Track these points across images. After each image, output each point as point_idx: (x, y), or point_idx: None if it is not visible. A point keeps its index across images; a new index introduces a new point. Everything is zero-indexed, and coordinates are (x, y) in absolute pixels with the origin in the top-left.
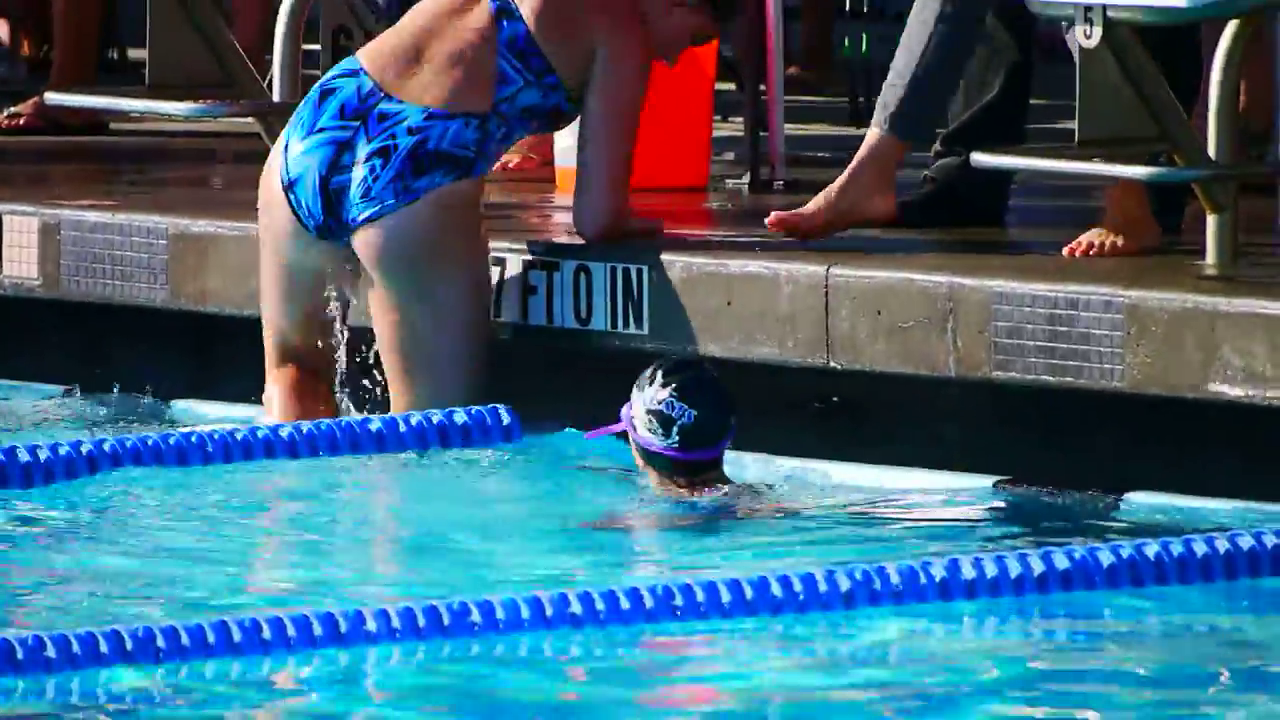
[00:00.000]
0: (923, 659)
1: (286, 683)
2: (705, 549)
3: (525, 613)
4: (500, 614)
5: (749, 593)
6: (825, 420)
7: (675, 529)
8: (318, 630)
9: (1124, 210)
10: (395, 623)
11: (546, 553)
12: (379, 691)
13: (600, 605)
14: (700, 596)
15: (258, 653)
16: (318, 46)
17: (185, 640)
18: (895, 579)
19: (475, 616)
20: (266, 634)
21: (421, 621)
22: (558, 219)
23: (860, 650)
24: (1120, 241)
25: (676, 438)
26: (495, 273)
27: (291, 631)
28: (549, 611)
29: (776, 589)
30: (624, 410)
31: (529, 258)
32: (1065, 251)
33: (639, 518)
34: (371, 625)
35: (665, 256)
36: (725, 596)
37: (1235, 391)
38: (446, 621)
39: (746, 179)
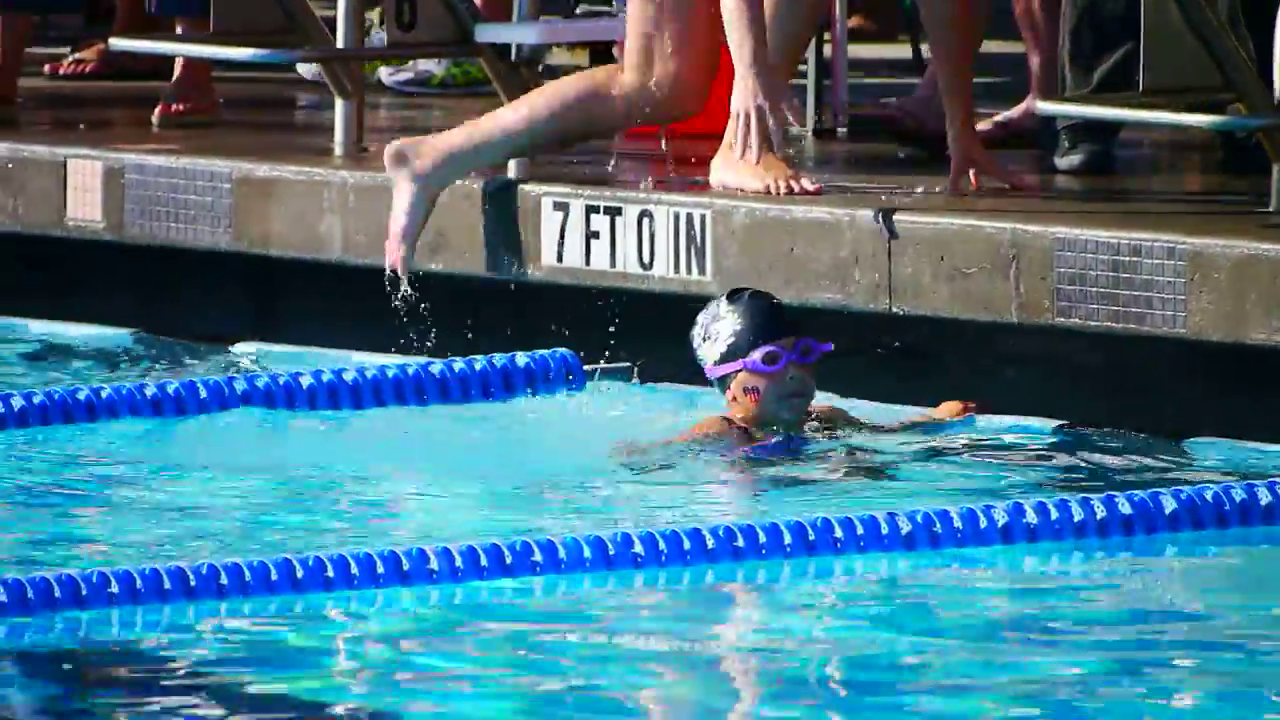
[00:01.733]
0: (978, 606)
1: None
2: (772, 490)
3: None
4: (561, 554)
5: (811, 534)
6: (889, 365)
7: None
8: (379, 568)
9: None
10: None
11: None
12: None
13: (662, 546)
14: (762, 538)
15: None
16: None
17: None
18: (958, 523)
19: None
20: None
21: (407, 566)
22: (622, 165)
23: (918, 596)
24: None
25: (744, 333)
26: (558, 218)
27: (331, 573)
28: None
29: (839, 531)
30: (706, 369)
31: (592, 202)
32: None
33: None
34: (405, 566)
35: (728, 202)
36: (786, 538)
37: None
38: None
39: (811, 127)
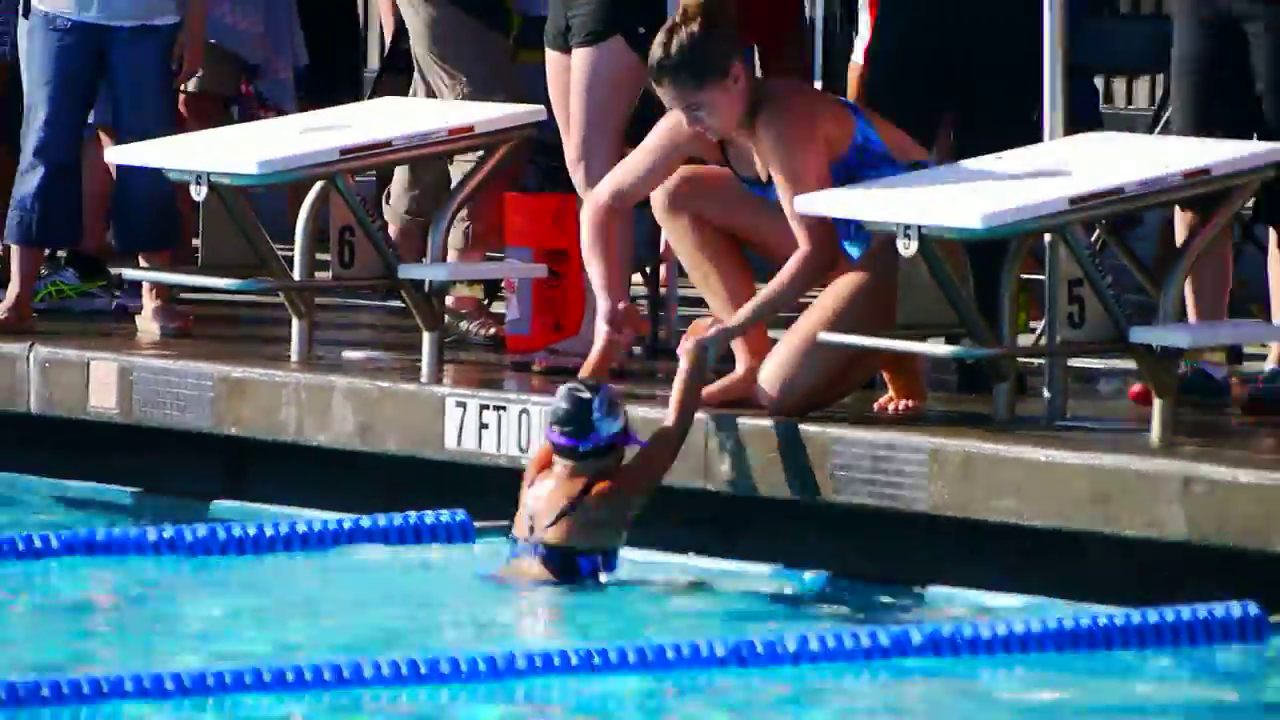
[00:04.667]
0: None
1: None
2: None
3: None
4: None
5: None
6: (702, 526)
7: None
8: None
9: (907, 379)
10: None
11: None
12: None
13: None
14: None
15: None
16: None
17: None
18: (760, 649)
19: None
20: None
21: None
22: (509, 375)
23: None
24: (910, 402)
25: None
26: (459, 413)
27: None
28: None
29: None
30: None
31: (485, 402)
32: (875, 407)
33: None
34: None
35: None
36: (571, 660)
37: (1008, 515)
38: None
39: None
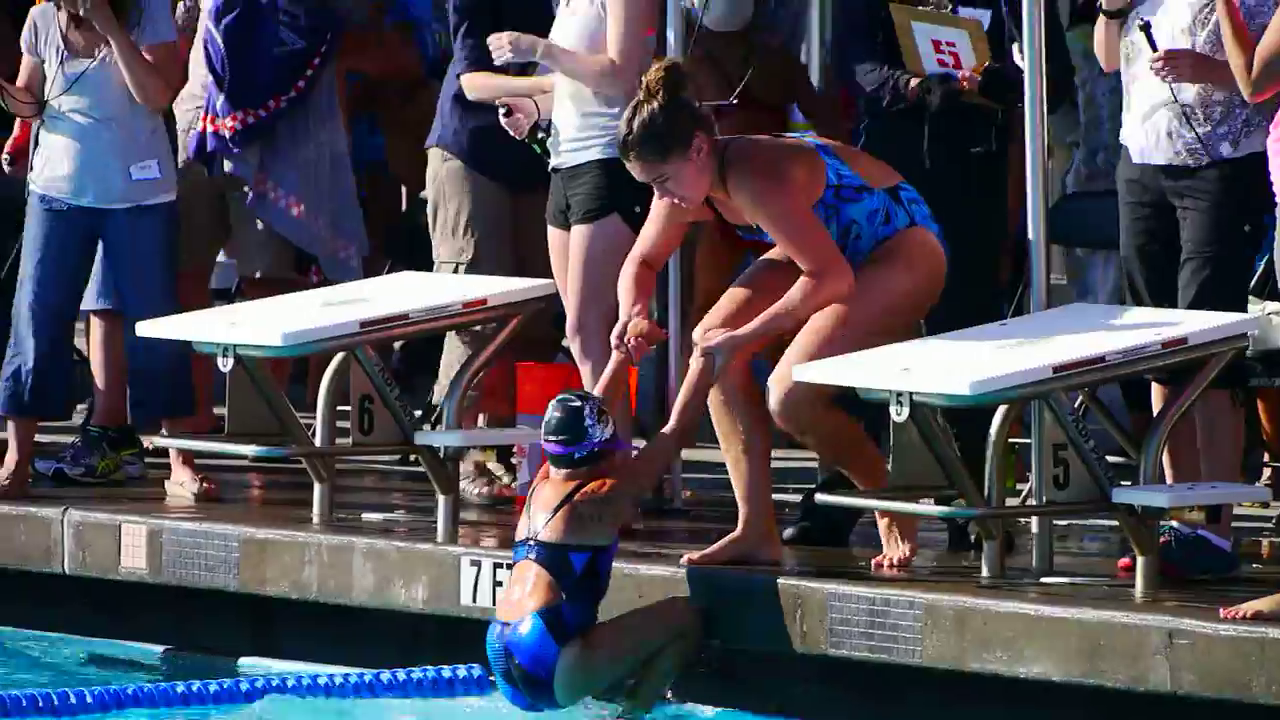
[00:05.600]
0: None
1: None
2: None
3: None
4: None
5: None
6: (705, 675)
7: None
8: None
9: (904, 533)
10: None
11: None
12: None
13: None
14: None
15: None
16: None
17: None
18: None
19: None
20: None
21: None
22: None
23: None
24: (905, 554)
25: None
26: (473, 571)
27: None
28: None
29: None
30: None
31: (498, 561)
32: (873, 564)
33: None
34: None
35: None
36: None
37: (999, 667)
38: None
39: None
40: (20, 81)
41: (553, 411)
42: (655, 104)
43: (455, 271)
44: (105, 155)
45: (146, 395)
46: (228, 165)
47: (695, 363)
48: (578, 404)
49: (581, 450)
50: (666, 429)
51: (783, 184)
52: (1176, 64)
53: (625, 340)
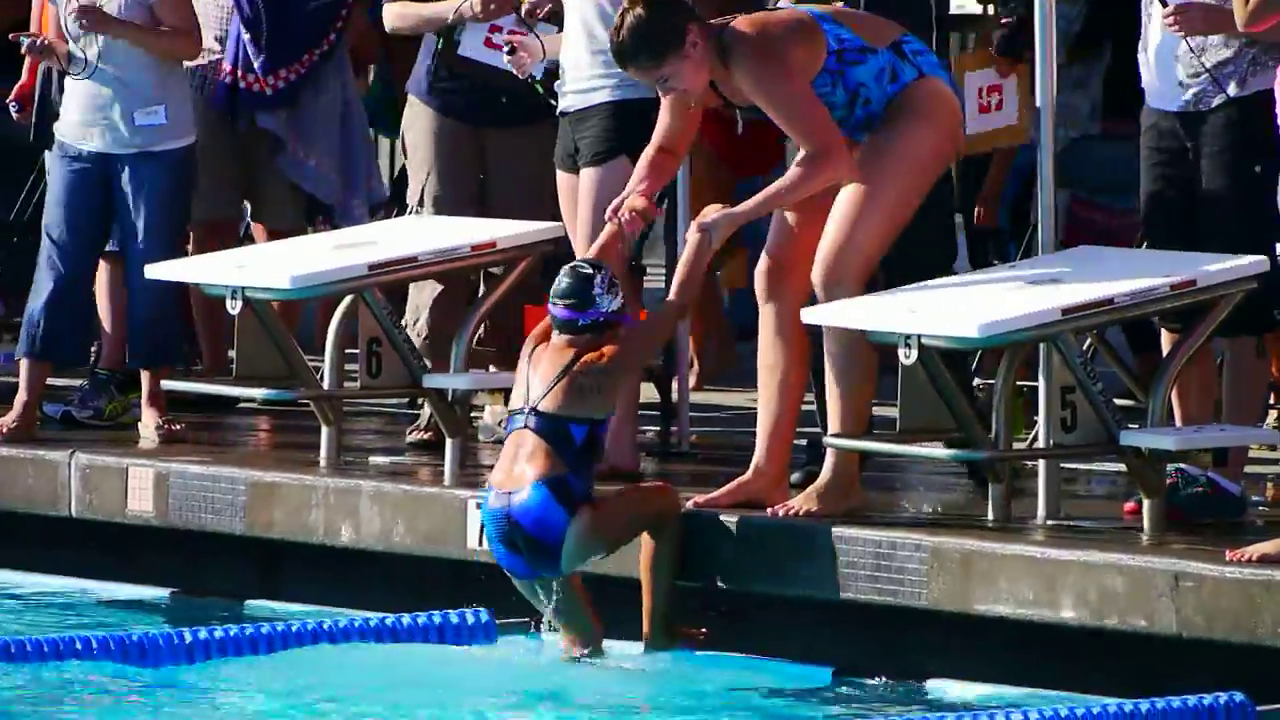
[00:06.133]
0: None
1: None
2: None
3: None
4: None
5: None
6: (712, 619)
7: None
8: None
9: (838, 473)
10: None
11: None
12: None
13: None
14: None
15: None
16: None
17: None
18: None
19: None
20: None
21: None
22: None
23: None
24: (815, 506)
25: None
26: (479, 514)
27: None
28: None
29: None
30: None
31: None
32: (783, 509)
33: None
34: None
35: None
36: None
37: (1004, 610)
38: None
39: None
40: (51, 33)
41: (564, 276)
42: (639, 9)
43: (418, 211)
44: (111, 101)
45: (134, 343)
46: (259, 120)
47: (692, 237)
48: (589, 271)
49: (587, 318)
50: (665, 301)
51: (781, 66)
52: (1188, 16)
53: (620, 213)
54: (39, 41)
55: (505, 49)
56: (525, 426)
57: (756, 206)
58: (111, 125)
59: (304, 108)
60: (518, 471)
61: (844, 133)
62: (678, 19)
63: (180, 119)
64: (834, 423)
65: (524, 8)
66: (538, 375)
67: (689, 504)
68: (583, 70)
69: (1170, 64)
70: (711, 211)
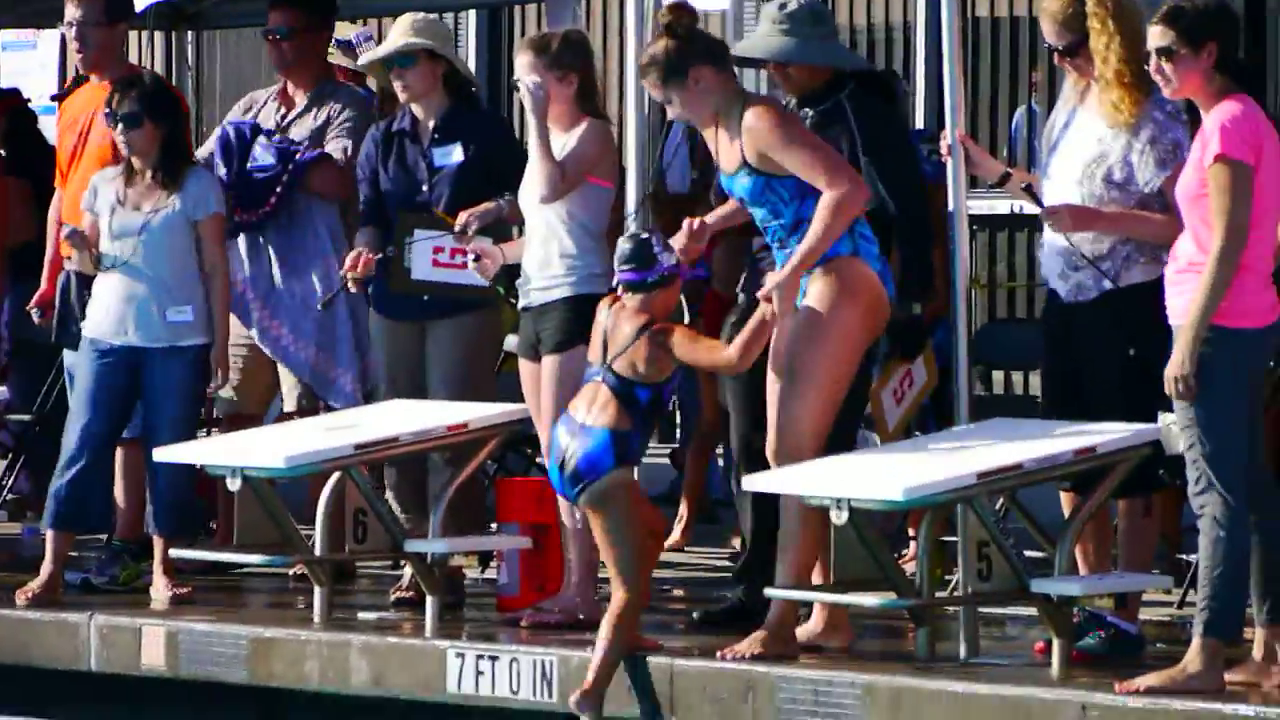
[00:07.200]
0: None
1: None
2: None
3: None
4: None
5: None
6: None
7: None
8: None
9: (833, 621)
10: None
11: None
12: None
13: None
14: None
15: None
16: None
17: None
18: None
19: None
20: None
21: None
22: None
23: None
24: (759, 650)
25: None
26: (458, 662)
27: None
28: None
29: None
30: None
31: (479, 652)
32: (729, 653)
33: None
34: None
35: (568, 653)
36: None
37: None
38: None
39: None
40: (86, 229)
41: (623, 244)
42: (660, 41)
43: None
44: (145, 300)
45: (158, 516)
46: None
47: (761, 309)
48: (646, 235)
49: (654, 274)
50: (730, 345)
51: (797, 121)
52: (1058, 216)
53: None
54: (78, 233)
55: (471, 257)
56: (601, 380)
57: (802, 260)
58: (144, 319)
59: (275, 291)
60: (594, 413)
61: (766, 238)
62: (692, 59)
63: (203, 317)
64: (781, 575)
65: (456, 228)
66: (614, 338)
67: (722, 655)
68: (547, 270)
69: (1055, 257)
70: (769, 279)
